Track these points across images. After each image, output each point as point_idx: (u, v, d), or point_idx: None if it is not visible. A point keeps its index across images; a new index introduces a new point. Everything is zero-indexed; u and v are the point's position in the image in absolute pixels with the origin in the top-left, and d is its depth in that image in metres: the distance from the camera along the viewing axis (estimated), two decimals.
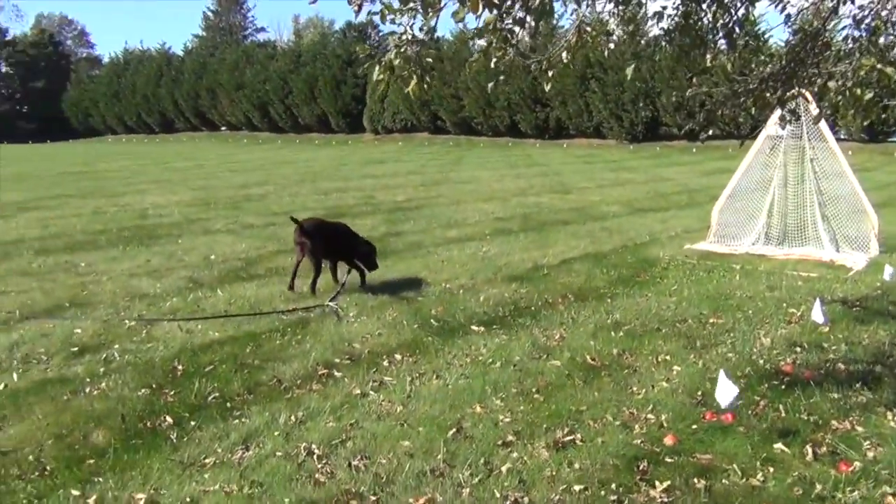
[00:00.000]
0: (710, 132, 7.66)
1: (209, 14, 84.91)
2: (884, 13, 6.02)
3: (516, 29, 4.02)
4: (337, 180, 21.57)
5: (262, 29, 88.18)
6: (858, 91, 5.59)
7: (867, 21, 6.01)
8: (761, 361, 5.44)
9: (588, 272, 8.66)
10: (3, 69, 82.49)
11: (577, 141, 43.31)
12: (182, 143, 52.24)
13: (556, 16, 5.91)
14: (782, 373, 5.16)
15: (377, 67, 3.90)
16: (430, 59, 3.93)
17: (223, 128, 63.10)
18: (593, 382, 5.02)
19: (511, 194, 17.70)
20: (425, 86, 4.02)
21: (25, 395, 4.78)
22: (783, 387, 4.87)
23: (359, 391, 4.87)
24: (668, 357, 5.55)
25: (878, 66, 5.39)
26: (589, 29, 4.58)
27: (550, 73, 4.56)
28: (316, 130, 56.36)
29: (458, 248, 10.25)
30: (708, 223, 10.86)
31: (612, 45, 5.21)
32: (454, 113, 47.84)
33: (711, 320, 6.59)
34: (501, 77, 4.33)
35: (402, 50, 3.86)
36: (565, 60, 4.57)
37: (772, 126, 9.66)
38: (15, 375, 5.14)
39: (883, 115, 6.56)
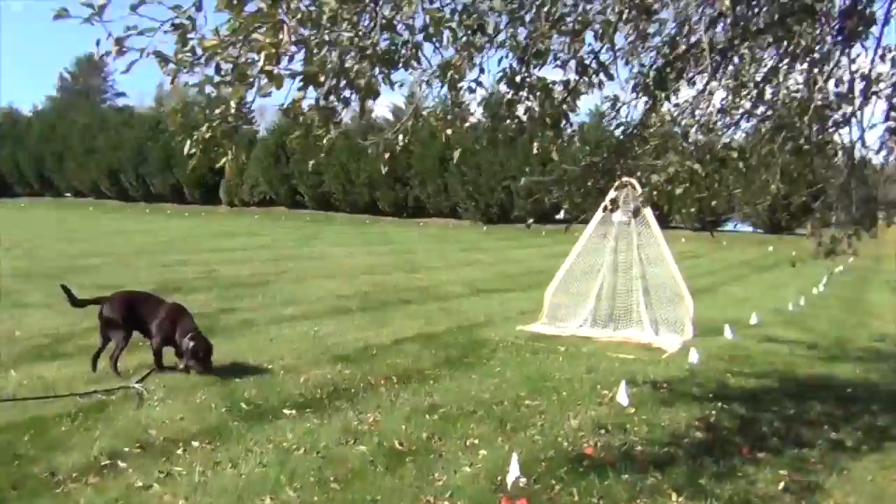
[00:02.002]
0: (531, 220, 7.94)
1: (66, 76, 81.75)
2: (697, 113, 6.52)
3: (339, 107, 4.02)
4: (181, 253, 20.79)
5: (122, 94, 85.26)
6: (669, 187, 5.98)
7: (681, 121, 6.48)
8: (566, 444, 5.52)
9: (417, 353, 8.64)
10: None
11: (434, 220, 44.12)
12: (20, 209, 49.23)
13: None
14: (584, 455, 5.25)
15: (189, 141, 3.75)
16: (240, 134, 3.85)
17: (68, 194, 59.97)
18: (396, 469, 4.90)
19: (359, 272, 17.63)
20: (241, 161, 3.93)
21: None
22: (581, 469, 4.94)
23: (141, 483, 4.50)
24: (476, 441, 5.53)
25: (688, 163, 5.79)
26: (425, 114, 4.67)
27: (388, 155, 4.58)
28: (169, 200, 54.45)
29: (291, 326, 10.00)
30: (542, 305, 11.16)
31: (449, 131, 5.26)
32: (313, 188, 47.71)
33: (527, 402, 6.68)
34: (322, 155, 4.31)
35: (216, 124, 3.76)
36: (401, 143, 4.62)
37: (617, 213, 10.15)
38: None
39: (713, 203, 7.01)
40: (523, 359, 8.58)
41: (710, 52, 6.11)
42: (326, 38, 3.35)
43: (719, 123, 6.35)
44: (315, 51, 3.34)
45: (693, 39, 6.02)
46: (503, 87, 4.60)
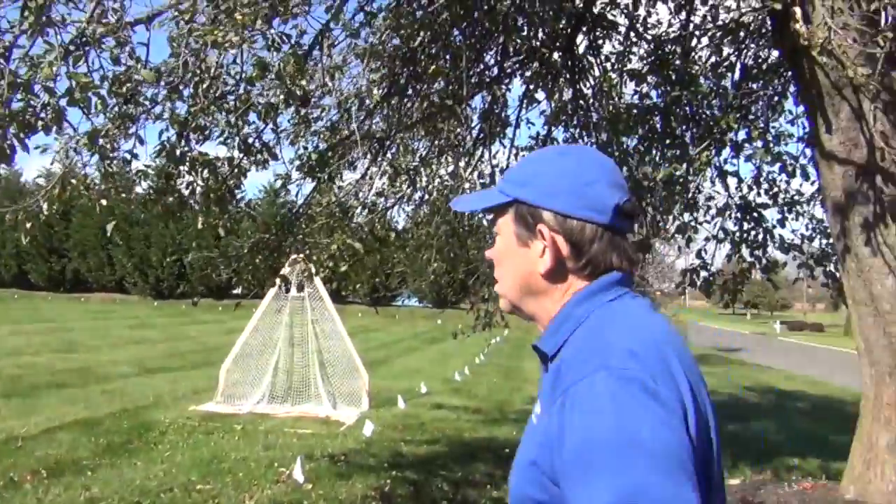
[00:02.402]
0: (198, 298, 7.65)
1: None
2: (360, 195, 6.77)
3: None
4: None
5: None
6: (332, 263, 6.09)
7: (346, 202, 6.69)
8: None
9: (73, 442, 7.77)
10: None
11: (97, 295, 40.69)
12: None
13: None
14: None
15: None
16: None
17: None
18: None
19: (2, 353, 15.55)
20: None
21: None
22: None
23: None
24: None
25: (349, 241, 5.97)
26: (74, 181, 4.25)
27: (29, 225, 4.09)
28: None
29: None
30: (217, 383, 10.70)
31: (104, 202, 4.83)
32: None
33: (199, 487, 6.30)
34: None
35: None
36: (45, 212, 4.15)
37: (291, 289, 10.07)
38: None
39: (380, 279, 7.30)
40: (196, 440, 8.12)
41: (369, 139, 6.47)
42: None
43: (380, 206, 6.70)
44: None
45: (353, 127, 6.33)
46: (162, 161, 4.40)
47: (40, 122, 3.20)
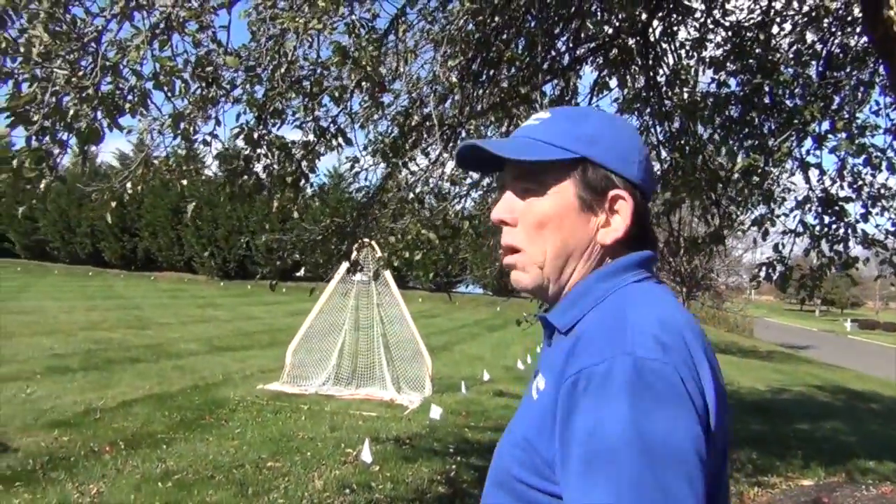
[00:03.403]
0: (275, 281, 7.83)
1: None
2: (430, 180, 6.78)
3: (56, 150, 3.63)
4: None
5: None
6: (407, 254, 6.12)
7: (416, 187, 6.70)
8: None
9: (148, 416, 8.02)
10: None
11: (166, 274, 41.76)
12: None
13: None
14: None
15: None
16: None
17: None
18: None
19: (79, 328, 16.08)
20: None
21: None
22: None
23: None
24: None
25: (423, 231, 5.97)
26: (156, 163, 4.36)
27: (114, 204, 4.22)
28: None
29: None
30: (284, 363, 10.90)
31: (184, 181, 4.96)
32: (26, 235, 43.20)
33: (269, 464, 6.43)
34: (34, 201, 3.86)
35: None
36: (129, 191, 4.27)
37: (358, 273, 10.20)
38: None
39: (448, 267, 7.33)
40: (264, 419, 8.28)
41: (440, 126, 6.46)
42: (39, 73, 3.04)
43: (452, 193, 6.69)
44: (26, 86, 3.02)
45: (427, 110, 6.32)
46: (240, 143, 4.47)
47: (127, 105, 3.27)
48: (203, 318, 21.23)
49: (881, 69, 6.06)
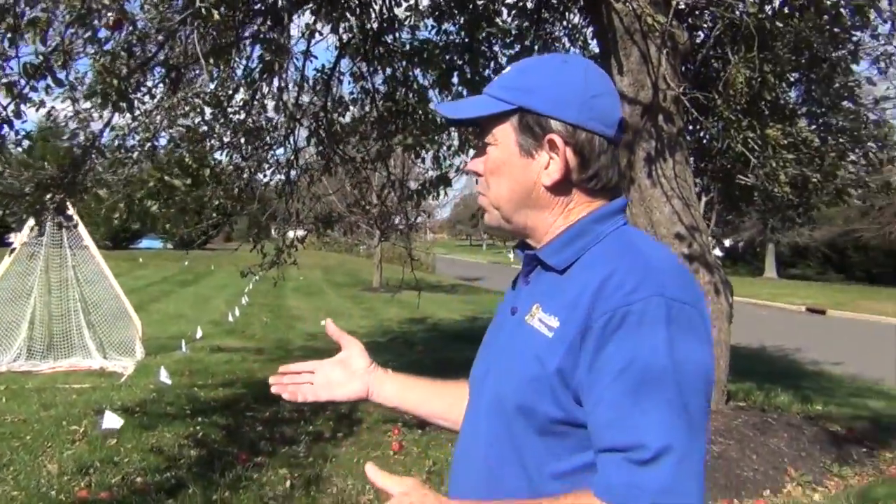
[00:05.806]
0: None
1: None
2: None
3: None
4: None
5: None
6: (149, 203, 5.66)
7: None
8: (53, 493, 4.84)
9: None
10: None
11: None
12: None
13: None
14: (80, 500, 4.70)
15: None
16: None
17: None
18: None
19: None
20: None
21: None
22: None
23: None
24: None
25: (166, 178, 5.54)
26: None
27: None
28: None
29: None
30: None
31: None
32: None
33: None
34: None
35: None
36: None
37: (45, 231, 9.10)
38: None
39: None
40: None
41: (166, 67, 6.04)
42: None
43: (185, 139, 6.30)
44: None
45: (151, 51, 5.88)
46: None
47: None
48: None
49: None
